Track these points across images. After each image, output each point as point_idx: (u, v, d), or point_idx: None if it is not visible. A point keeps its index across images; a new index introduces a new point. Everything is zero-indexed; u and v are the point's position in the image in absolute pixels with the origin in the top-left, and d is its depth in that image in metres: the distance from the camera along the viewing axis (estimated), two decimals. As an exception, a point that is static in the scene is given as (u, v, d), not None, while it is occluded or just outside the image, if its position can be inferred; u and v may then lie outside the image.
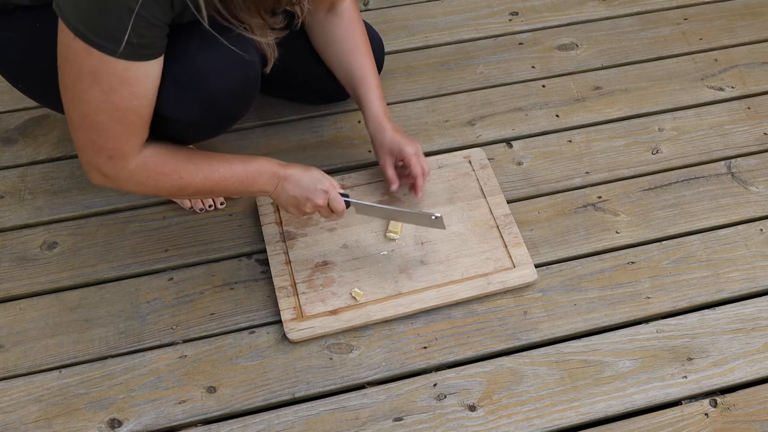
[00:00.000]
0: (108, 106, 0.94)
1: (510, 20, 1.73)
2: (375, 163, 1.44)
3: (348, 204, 1.20)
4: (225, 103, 1.07)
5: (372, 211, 1.24)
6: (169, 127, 1.04)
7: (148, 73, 0.95)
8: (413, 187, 1.28)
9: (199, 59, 1.01)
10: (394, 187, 1.28)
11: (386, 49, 1.53)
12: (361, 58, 1.27)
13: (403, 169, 1.29)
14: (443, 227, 1.23)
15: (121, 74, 0.92)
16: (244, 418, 1.12)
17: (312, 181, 1.15)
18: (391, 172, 1.27)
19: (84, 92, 0.93)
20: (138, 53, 0.92)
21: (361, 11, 1.74)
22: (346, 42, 1.27)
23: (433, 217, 1.20)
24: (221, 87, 1.04)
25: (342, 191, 1.19)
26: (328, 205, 1.17)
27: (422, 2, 1.78)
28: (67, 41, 0.90)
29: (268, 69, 1.05)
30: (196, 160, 1.08)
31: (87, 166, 1.02)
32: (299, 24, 1.03)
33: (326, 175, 1.18)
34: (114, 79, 0.92)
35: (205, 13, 0.90)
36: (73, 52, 0.90)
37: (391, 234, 1.29)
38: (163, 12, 0.90)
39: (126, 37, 0.88)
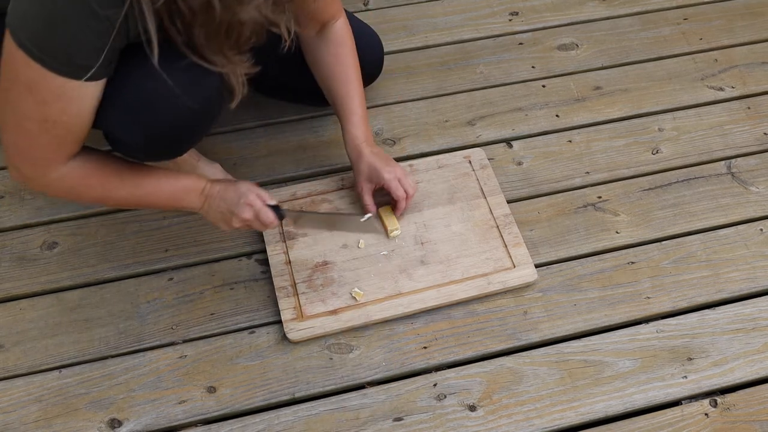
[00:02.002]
0: (37, 116, 0.92)
1: (510, 20, 1.73)
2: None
3: (282, 216, 1.16)
4: (170, 133, 1.04)
5: (309, 222, 1.26)
6: (118, 146, 1.04)
7: (86, 93, 0.92)
8: (395, 209, 1.29)
9: (150, 86, 0.96)
10: (370, 212, 1.27)
11: (386, 49, 1.54)
12: (345, 84, 1.25)
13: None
14: (375, 230, 1.26)
15: (55, 90, 0.90)
16: (244, 418, 1.12)
17: (236, 196, 1.13)
18: (366, 199, 1.27)
19: (15, 99, 0.92)
20: (79, 74, 0.89)
21: (360, 11, 1.74)
22: (331, 67, 1.26)
23: (362, 219, 1.24)
24: (167, 118, 1.01)
25: (272, 203, 1.15)
26: (259, 218, 1.14)
27: (422, 2, 1.77)
28: (10, 49, 0.88)
29: (234, 105, 1.02)
30: (123, 175, 1.07)
31: (9, 165, 1.01)
32: (285, 48, 0.98)
33: (254, 188, 1.14)
34: (48, 94, 0.90)
35: (156, 50, 0.87)
36: (13, 60, 0.88)
37: (394, 231, 1.29)
38: (119, 36, 0.87)
39: (71, 57, 0.87)
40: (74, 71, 0.89)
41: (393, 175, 1.24)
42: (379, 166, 1.23)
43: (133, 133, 1.00)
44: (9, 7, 0.87)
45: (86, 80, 0.90)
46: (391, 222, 1.29)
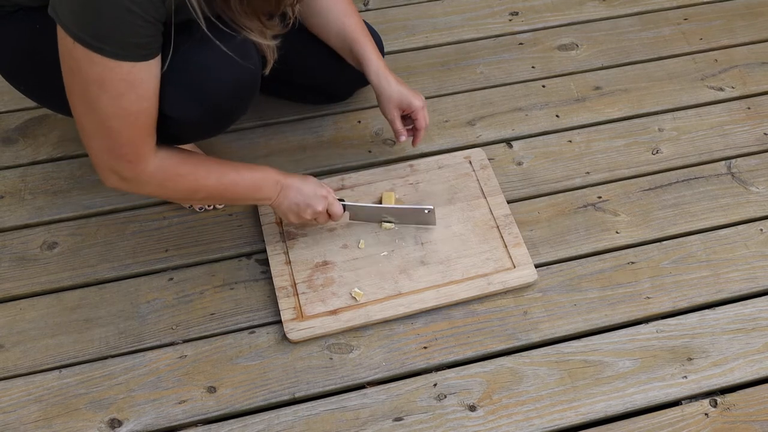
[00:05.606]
0: (119, 112, 0.94)
1: (510, 20, 1.73)
2: (375, 164, 1.44)
3: (344, 208, 1.23)
4: (225, 102, 1.07)
5: (366, 215, 1.28)
6: (168, 125, 1.04)
7: (151, 73, 0.95)
8: (414, 138, 1.32)
9: (201, 58, 1.00)
10: (403, 138, 1.30)
11: (386, 49, 1.53)
12: (351, 19, 1.26)
13: (405, 121, 1.31)
14: (434, 222, 1.26)
15: (125, 77, 0.92)
16: (244, 418, 1.12)
17: (312, 189, 1.19)
18: (399, 125, 1.28)
19: (93, 101, 0.93)
20: (138, 54, 0.92)
21: (361, 11, 1.74)
22: (334, 9, 1.26)
23: (426, 211, 1.24)
24: (222, 86, 1.04)
25: (338, 197, 1.23)
26: (327, 211, 1.21)
27: (422, 2, 1.78)
28: (68, 49, 0.90)
29: (267, 70, 1.06)
30: (207, 164, 1.10)
31: (103, 171, 1.02)
32: (290, 24, 1.03)
33: (322, 183, 1.21)
34: (120, 84, 0.92)
35: (201, 16, 0.91)
36: (76, 60, 0.90)
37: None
38: (156, 9, 0.90)
39: (124, 37, 0.89)
40: (134, 53, 0.91)
41: (421, 104, 1.27)
42: (408, 93, 1.26)
43: (188, 106, 1.02)
44: (52, 3, 0.89)
45: (148, 59, 0.93)
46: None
